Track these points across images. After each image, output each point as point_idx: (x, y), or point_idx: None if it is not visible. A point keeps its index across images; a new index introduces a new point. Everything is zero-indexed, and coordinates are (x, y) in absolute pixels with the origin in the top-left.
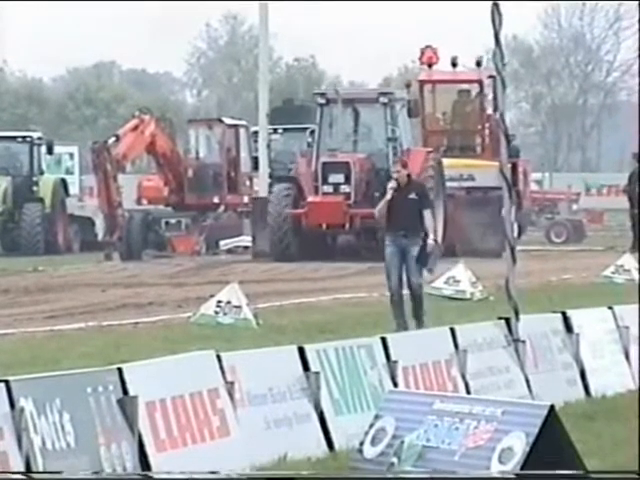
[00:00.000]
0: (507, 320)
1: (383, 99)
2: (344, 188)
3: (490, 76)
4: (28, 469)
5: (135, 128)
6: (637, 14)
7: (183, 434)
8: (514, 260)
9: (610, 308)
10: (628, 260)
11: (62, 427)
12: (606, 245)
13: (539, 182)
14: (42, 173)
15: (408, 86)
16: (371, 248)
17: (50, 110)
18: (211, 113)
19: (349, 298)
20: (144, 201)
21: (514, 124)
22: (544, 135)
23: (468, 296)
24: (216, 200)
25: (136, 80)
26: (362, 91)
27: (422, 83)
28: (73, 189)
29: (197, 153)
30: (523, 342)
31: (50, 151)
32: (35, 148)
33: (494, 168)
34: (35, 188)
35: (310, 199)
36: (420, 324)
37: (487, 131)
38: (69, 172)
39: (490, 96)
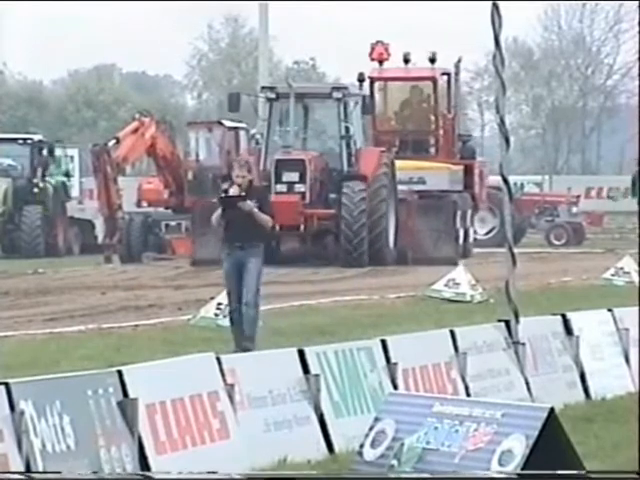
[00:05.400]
0: (507, 322)
1: (337, 94)
2: (299, 187)
3: (444, 73)
4: (28, 471)
5: (135, 131)
6: (637, 16)
7: (183, 436)
8: (514, 262)
9: (610, 310)
10: (628, 262)
11: (62, 429)
12: (606, 247)
13: (539, 184)
14: (43, 175)
15: (361, 81)
16: (318, 253)
17: (50, 113)
18: (211, 115)
19: (349, 300)
20: (144, 203)
21: (514, 127)
22: (544, 138)
23: (468, 298)
24: None
25: (136, 83)
26: (314, 86)
27: (372, 80)
28: (73, 192)
29: (197, 155)
30: (523, 344)
31: (51, 153)
32: (36, 150)
33: (446, 170)
34: (35, 190)
35: None
36: (248, 347)
37: (441, 131)
38: (69, 175)
39: (444, 94)
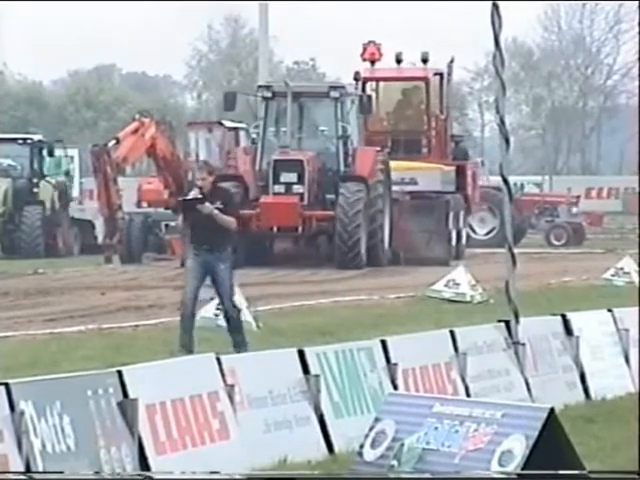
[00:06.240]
0: (507, 323)
1: (334, 93)
2: (297, 188)
3: (437, 73)
4: (28, 472)
5: (135, 131)
6: (637, 17)
7: (183, 437)
8: (514, 263)
9: (610, 311)
10: (628, 263)
11: (62, 430)
12: (606, 248)
13: (539, 185)
14: (43, 176)
15: (357, 80)
16: (311, 254)
17: (50, 113)
18: (211, 116)
19: (349, 301)
20: (144, 204)
21: (514, 127)
22: (544, 138)
23: (468, 299)
24: None
25: (136, 83)
26: (311, 85)
27: (364, 80)
28: (73, 192)
29: (197, 156)
30: (523, 345)
31: (51, 154)
32: (36, 150)
33: (438, 171)
34: (35, 190)
35: (262, 199)
36: (238, 351)
37: (433, 132)
38: (69, 175)
39: (437, 95)
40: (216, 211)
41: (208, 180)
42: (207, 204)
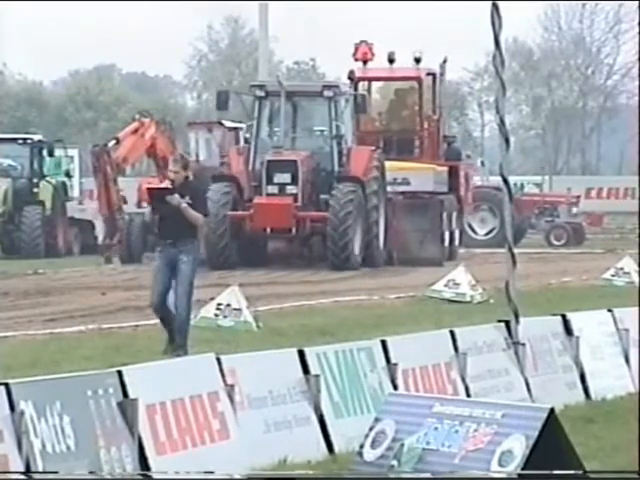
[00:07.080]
0: (507, 323)
1: (328, 93)
2: (291, 189)
3: (429, 73)
4: (28, 472)
5: (135, 131)
6: (637, 17)
7: (183, 437)
8: (514, 263)
9: (610, 311)
10: (628, 263)
11: (62, 430)
12: (606, 248)
13: (539, 185)
14: (43, 176)
15: (351, 79)
16: (304, 255)
17: (50, 113)
18: (211, 116)
19: (349, 301)
20: (144, 204)
21: (514, 127)
22: (544, 138)
23: (468, 299)
24: None
25: (136, 83)
26: (305, 84)
27: (357, 80)
28: (73, 192)
29: (197, 156)
30: (523, 345)
31: (51, 154)
32: (36, 150)
33: (430, 171)
34: (35, 190)
35: (256, 200)
36: (177, 354)
37: (426, 132)
38: (69, 175)
39: (430, 95)
40: (184, 204)
41: (181, 174)
42: (176, 196)
